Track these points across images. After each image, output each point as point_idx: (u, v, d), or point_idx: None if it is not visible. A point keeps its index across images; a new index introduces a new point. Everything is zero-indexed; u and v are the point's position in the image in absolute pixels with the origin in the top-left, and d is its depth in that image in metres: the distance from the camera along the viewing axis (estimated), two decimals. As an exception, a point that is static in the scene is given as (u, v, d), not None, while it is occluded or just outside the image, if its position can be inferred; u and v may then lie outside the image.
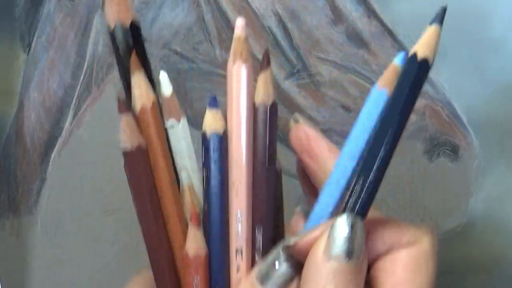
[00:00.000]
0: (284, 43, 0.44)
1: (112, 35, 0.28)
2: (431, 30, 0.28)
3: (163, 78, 0.29)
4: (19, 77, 0.49)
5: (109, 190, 0.48)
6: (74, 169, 0.49)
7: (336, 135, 0.43)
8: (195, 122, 0.47)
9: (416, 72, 0.28)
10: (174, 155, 0.30)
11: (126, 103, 0.29)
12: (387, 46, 0.42)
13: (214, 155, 0.29)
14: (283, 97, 0.45)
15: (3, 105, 0.50)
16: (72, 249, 0.49)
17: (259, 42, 0.44)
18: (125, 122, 0.28)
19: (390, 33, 0.42)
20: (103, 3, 0.28)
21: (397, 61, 0.29)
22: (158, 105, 0.29)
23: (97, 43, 0.47)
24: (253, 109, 0.29)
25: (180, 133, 0.30)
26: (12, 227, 0.51)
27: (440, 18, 0.29)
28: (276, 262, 0.28)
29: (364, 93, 0.43)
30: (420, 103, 0.42)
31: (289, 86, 0.44)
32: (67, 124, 0.48)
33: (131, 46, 0.28)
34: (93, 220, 0.48)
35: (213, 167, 0.29)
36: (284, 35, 0.44)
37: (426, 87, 0.42)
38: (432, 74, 0.42)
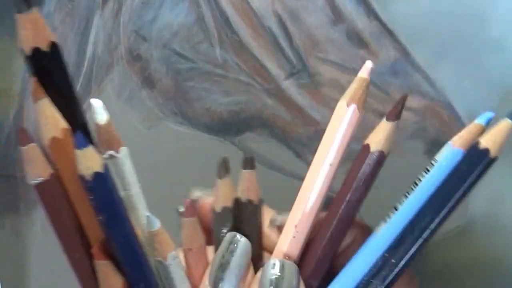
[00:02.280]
0: (284, 43, 0.44)
1: (29, 59, 0.26)
2: (502, 126, 0.28)
3: (96, 105, 0.27)
4: (19, 77, 0.49)
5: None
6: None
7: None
8: (195, 122, 0.47)
9: (480, 164, 0.28)
10: (117, 185, 0.28)
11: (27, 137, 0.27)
12: (387, 46, 0.42)
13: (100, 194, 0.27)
14: (283, 97, 0.45)
15: (3, 105, 0.50)
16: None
17: (259, 42, 0.44)
18: (30, 155, 0.27)
19: (390, 33, 0.42)
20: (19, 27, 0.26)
21: (481, 120, 0.28)
22: (69, 132, 0.27)
23: (97, 43, 0.47)
24: (343, 152, 0.29)
25: (121, 162, 0.28)
26: (12, 227, 0.51)
27: None
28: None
29: (364, 93, 0.43)
30: (420, 103, 0.42)
31: (289, 86, 0.44)
32: (67, 124, 0.48)
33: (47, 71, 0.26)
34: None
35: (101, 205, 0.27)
36: (284, 35, 0.44)
37: (426, 87, 0.42)
38: (432, 74, 0.42)
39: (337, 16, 0.43)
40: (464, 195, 0.28)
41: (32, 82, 0.26)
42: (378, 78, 0.43)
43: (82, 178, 0.26)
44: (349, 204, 0.30)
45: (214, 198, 0.32)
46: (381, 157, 0.29)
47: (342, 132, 0.30)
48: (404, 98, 0.29)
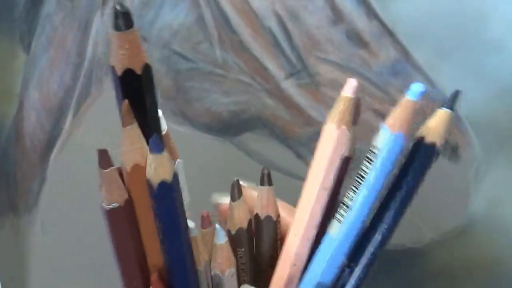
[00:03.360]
0: (284, 43, 0.44)
1: (120, 79, 0.25)
2: (440, 115, 0.28)
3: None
4: (19, 77, 0.49)
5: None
6: (74, 169, 0.49)
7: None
8: (195, 122, 0.47)
9: (423, 157, 0.28)
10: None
11: (109, 159, 0.26)
12: (387, 46, 0.42)
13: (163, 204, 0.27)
14: (283, 97, 0.45)
15: (3, 105, 0.50)
16: (72, 249, 0.49)
17: (259, 42, 0.44)
18: (109, 178, 0.26)
19: (390, 33, 0.42)
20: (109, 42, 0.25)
21: (412, 96, 0.28)
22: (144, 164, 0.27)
23: (97, 44, 0.47)
24: (334, 167, 0.29)
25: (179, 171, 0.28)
26: (12, 226, 0.51)
27: (451, 103, 0.28)
28: None
29: (364, 93, 0.43)
30: (420, 103, 0.42)
31: (289, 86, 0.44)
32: (67, 124, 0.48)
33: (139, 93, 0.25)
34: (93, 220, 0.48)
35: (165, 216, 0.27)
36: (284, 35, 0.44)
37: (427, 87, 0.42)
38: (432, 74, 0.42)
39: (337, 16, 0.43)
40: (417, 188, 0.28)
41: (123, 105, 0.25)
42: (378, 78, 0.43)
43: (149, 183, 0.25)
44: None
45: (228, 220, 0.32)
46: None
47: (335, 154, 0.30)
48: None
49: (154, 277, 0.28)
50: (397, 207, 0.28)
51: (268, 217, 0.31)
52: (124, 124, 0.25)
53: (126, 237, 0.27)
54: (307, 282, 0.30)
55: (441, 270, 0.45)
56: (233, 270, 0.30)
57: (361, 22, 0.43)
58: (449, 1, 0.41)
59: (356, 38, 0.43)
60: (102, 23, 0.47)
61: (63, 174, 0.49)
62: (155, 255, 0.28)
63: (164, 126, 0.27)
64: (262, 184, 0.31)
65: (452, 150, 0.43)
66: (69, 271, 0.50)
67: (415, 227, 0.44)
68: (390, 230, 0.28)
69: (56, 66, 0.49)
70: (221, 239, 0.30)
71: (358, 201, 0.28)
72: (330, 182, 0.30)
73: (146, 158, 0.26)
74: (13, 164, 0.50)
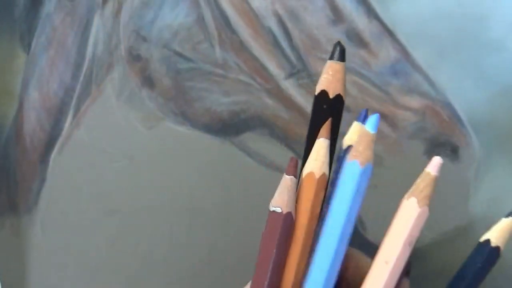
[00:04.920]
0: (284, 43, 0.44)
1: (316, 97, 0.28)
2: (507, 223, 0.28)
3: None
4: (19, 77, 0.49)
5: (109, 191, 0.48)
6: (74, 169, 0.49)
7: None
8: (195, 122, 0.47)
9: (487, 260, 0.28)
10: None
11: (295, 168, 0.28)
12: (387, 46, 0.42)
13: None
14: (283, 97, 0.45)
15: (3, 105, 0.50)
16: (72, 249, 0.49)
17: (259, 42, 0.44)
18: (286, 185, 0.27)
19: (390, 33, 0.42)
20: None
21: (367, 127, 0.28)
22: (327, 178, 0.28)
23: (97, 43, 0.47)
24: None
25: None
26: (12, 226, 0.51)
27: None
28: None
29: (364, 93, 0.43)
30: (420, 103, 0.42)
31: (289, 86, 0.44)
32: (67, 124, 0.48)
33: (328, 115, 0.28)
34: (93, 220, 0.48)
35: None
36: (284, 35, 0.44)
37: (426, 87, 0.42)
38: (432, 74, 0.42)
39: (337, 16, 0.43)
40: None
41: (327, 121, 0.28)
42: (378, 78, 0.43)
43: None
44: None
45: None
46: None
47: (412, 234, 0.29)
48: None
49: None
50: None
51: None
52: (320, 135, 0.28)
53: (273, 243, 0.28)
54: None
55: (441, 270, 0.45)
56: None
57: (361, 22, 0.43)
58: (449, 1, 0.41)
59: (356, 38, 0.43)
60: (102, 23, 0.47)
61: (63, 174, 0.49)
62: (293, 271, 0.28)
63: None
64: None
65: (452, 150, 0.43)
66: (69, 271, 0.50)
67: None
68: None
69: (56, 66, 0.49)
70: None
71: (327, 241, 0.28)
72: (403, 263, 0.29)
73: (322, 173, 0.27)
74: (13, 164, 0.50)
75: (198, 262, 0.46)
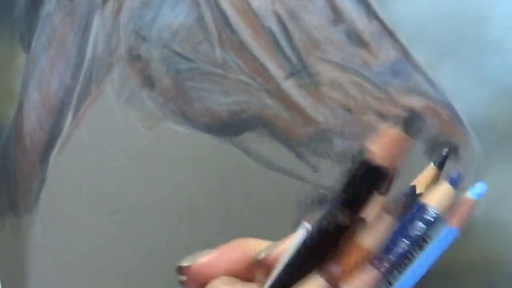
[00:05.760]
0: (284, 43, 0.44)
1: (359, 163, 0.27)
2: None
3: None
4: (19, 77, 0.49)
5: (109, 190, 0.48)
6: (74, 169, 0.49)
7: (336, 135, 0.43)
8: (195, 122, 0.47)
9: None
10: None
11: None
12: (387, 46, 0.42)
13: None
14: (283, 97, 0.45)
15: (3, 105, 0.50)
16: (72, 249, 0.49)
17: (259, 42, 0.44)
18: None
19: (390, 33, 0.42)
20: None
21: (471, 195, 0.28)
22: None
23: (97, 43, 0.47)
24: None
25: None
26: (12, 226, 0.51)
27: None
28: None
29: (364, 93, 0.43)
30: (420, 103, 0.42)
31: (289, 86, 0.44)
32: (67, 124, 0.48)
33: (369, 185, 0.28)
34: (93, 220, 0.48)
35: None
36: (284, 35, 0.44)
37: (426, 87, 0.42)
38: (432, 74, 0.42)
39: (337, 16, 0.43)
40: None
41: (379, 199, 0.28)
42: (378, 78, 0.43)
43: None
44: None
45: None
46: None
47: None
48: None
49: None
50: None
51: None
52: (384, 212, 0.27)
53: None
54: None
55: (441, 270, 0.45)
56: None
57: (361, 22, 0.43)
58: (449, 2, 0.41)
59: (356, 38, 0.43)
60: (102, 23, 0.47)
61: (63, 174, 0.49)
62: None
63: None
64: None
65: (452, 150, 0.43)
66: (69, 271, 0.50)
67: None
68: None
69: (56, 66, 0.49)
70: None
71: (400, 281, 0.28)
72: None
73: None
74: (13, 164, 0.50)
75: (198, 262, 0.46)
